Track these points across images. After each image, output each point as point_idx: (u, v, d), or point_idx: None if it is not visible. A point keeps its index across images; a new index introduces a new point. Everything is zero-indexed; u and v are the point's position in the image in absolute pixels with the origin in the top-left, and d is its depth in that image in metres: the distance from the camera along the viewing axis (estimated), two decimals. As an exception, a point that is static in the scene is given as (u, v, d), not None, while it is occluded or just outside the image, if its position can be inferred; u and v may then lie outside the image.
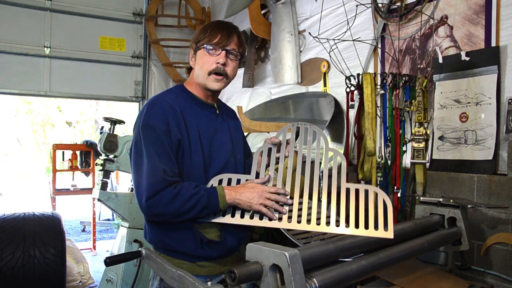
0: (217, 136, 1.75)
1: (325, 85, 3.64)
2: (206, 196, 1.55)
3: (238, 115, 2.05)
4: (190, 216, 1.56)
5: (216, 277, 1.70)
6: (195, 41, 1.72)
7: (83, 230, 7.93)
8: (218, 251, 1.69)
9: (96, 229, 6.52)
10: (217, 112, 1.80)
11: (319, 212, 1.55)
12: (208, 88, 1.71)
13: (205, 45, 1.67)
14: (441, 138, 2.61)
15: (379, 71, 3.04)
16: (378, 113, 2.77)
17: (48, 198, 6.92)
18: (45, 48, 5.13)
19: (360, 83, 2.73)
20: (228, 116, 1.89)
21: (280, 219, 1.58)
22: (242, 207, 1.59)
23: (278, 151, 1.73)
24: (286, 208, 1.57)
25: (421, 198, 2.14)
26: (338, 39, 3.07)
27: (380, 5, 3.05)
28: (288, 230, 2.09)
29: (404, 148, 2.70)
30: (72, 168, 6.59)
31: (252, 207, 1.56)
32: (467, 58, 2.46)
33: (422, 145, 2.56)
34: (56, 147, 6.39)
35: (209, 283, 1.23)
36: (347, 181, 1.57)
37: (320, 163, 1.66)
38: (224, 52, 1.68)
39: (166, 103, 1.65)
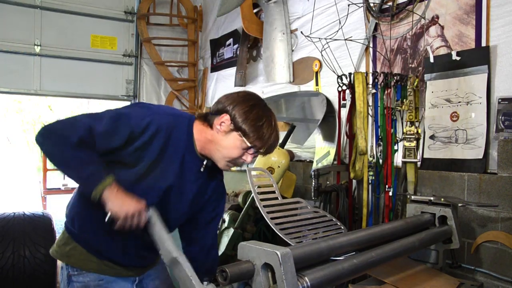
0: (183, 184, 1.64)
1: (317, 84, 3.65)
2: (93, 171, 1.43)
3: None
4: (66, 170, 1.46)
5: (126, 278, 1.66)
6: (240, 121, 1.55)
7: (74, 230, 7.86)
8: (134, 261, 1.65)
9: (88, 229, 6.46)
10: (201, 170, 1.67)
11: None
12: (215, 163, 1.64)
13: (250, 145, 1.56)
14: (432, 137, 2.63)
15: (370, 70, 3.05)
16: (370, 112, 2.78)
17: (38, 197, 6.85)
18: (35, 46, 5.08)
19: (352, 82, 2.74)
20: (211, 179, 1.75)
21: None
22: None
23: None
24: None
25: (412, 196, 2.15)
26: (330, 38, 3.08)
27: (371, 4, 3.06)
28: (281, 229, 2.09)
29: (395, 147, 2.72)
30: (63, 168, 6.53)
31: (115, 214, 1.42)
32: (458, 58, 2.48)
33: (413, 144, 2.58)
34: (47, 146, 6.32)
35: (205, 282, 1.23)
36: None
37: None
38: (254, 153, 1.61)
39: (170, 131, 1.55)
